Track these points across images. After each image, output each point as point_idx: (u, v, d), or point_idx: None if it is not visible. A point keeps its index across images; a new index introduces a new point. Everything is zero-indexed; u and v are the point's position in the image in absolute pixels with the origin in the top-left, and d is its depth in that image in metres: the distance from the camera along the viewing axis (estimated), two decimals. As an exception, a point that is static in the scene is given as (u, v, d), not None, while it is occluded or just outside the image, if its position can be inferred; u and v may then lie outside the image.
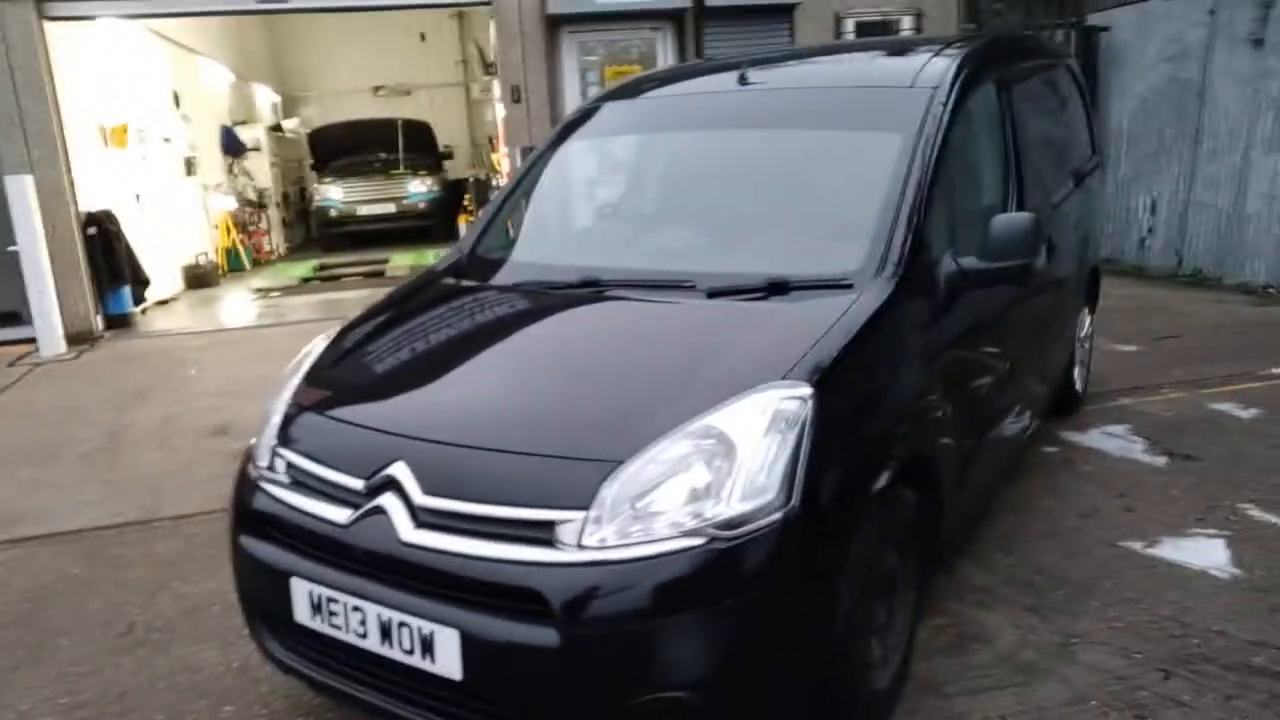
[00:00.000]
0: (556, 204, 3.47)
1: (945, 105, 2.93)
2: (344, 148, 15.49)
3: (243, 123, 14.42)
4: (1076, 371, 4.72)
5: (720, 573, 1.96)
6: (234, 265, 12.56)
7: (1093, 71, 8.41)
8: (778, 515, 2.00)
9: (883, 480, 2.31)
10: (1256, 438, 4.41)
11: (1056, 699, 2.59)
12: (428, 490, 2.13)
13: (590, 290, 2.77)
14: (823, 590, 2.15)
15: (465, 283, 3.08)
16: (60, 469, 5.00)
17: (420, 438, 2.25)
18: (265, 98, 17.07)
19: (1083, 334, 4.76)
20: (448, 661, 2.03)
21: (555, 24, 8.11)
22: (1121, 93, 8.79)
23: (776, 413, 2.09)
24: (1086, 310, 4.82)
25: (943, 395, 2.69)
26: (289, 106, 18.25)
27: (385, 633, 2.11)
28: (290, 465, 2.42)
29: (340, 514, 2.22)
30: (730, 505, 2.00)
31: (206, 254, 11.64)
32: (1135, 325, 6.61)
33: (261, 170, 14.49)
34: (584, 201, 3.54)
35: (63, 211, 7.57)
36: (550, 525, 1.99)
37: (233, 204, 12.89)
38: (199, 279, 11.15)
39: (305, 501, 2.32)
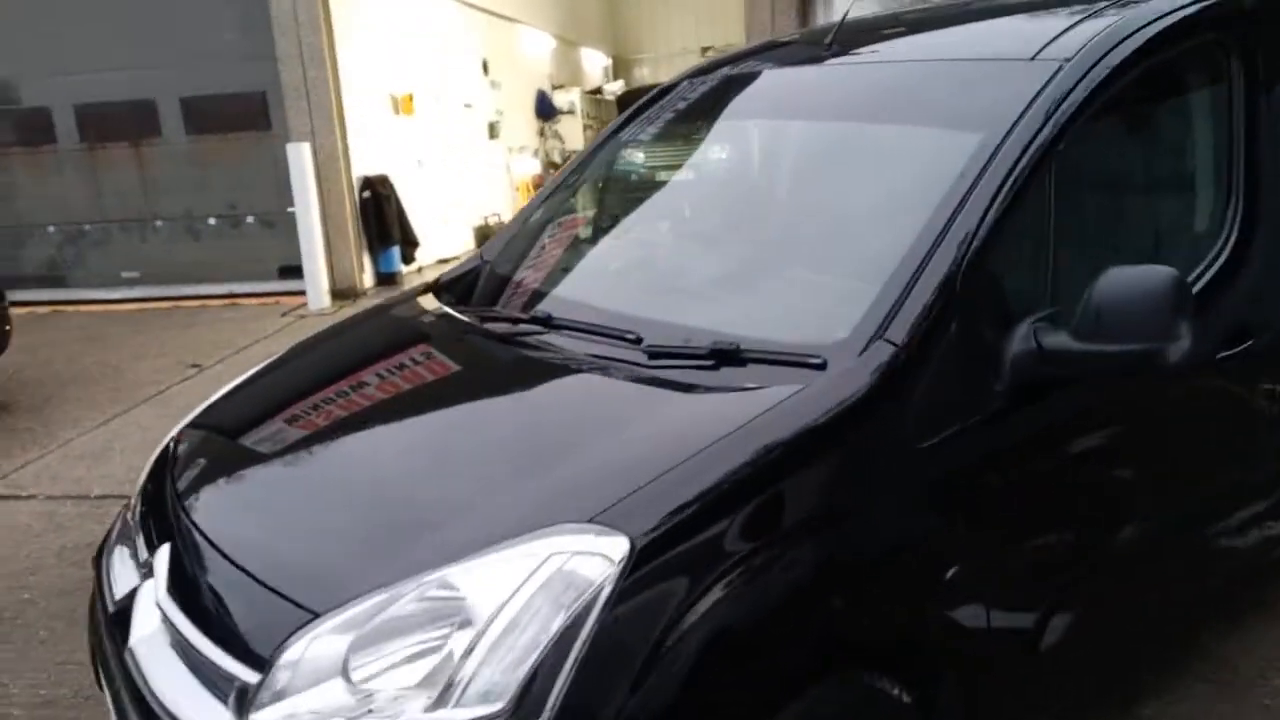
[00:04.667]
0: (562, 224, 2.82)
1: (1076, 88, 1.87)
2: (653, 111, 15.44)
3: (561, 86, 14.90)
4: None
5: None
6: (531, 226, 13.06)
7: None
8: (501, 738, 1.31)
9: (793, 681, 1.51)
10: None
11: None
12: (171, 588, 1.70)
13: (525, 332, 2.15)
14: None
15: (424, 310, 2.53)
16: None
17: (195, 521, 1.82)
18: (596, 61, 17.57)
19: None
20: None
21: (811, -24, 7.20)
22: None
23: (554, 575, 1.38)
24: None
25: (994, 545, 1.75)
26: (621, 69, 18.66)
27: (115, 749, 1.74)
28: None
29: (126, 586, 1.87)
30: (454, 709, 1.34)
31: (498, 215, 12.18)
32: None
33: (574, 133, 14.91)
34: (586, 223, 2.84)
35: (335, 176, 8.15)
36: (233, 683, 1.47)
37: (536, 167, 13.38)
38: (488, 238, 11.69)
39: (122, 554, 2.01)
